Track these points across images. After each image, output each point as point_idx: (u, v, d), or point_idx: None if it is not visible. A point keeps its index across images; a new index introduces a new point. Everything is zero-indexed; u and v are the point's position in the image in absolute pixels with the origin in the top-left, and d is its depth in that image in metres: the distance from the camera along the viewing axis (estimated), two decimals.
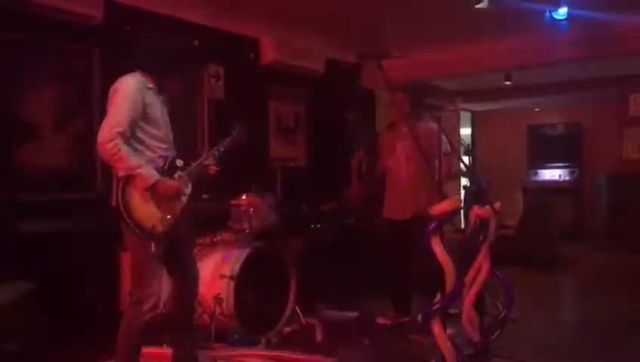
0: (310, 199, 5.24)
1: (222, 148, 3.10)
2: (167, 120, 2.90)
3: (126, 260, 3.93)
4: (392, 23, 5.09)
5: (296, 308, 4.03)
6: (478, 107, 10.23)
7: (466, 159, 4.23)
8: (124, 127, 2.59)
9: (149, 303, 2.72)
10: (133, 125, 2.65)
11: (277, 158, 5.52)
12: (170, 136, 2.91)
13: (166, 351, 3.25)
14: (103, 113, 4.06)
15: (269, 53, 5.39)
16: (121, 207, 2.59)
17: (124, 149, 2.58)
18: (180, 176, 2.83)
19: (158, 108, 2.80)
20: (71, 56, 4.06)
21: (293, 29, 5.26)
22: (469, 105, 9.95)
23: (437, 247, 2.73)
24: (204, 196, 3.71)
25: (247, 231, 3.99)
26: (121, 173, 2.62)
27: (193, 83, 4.87)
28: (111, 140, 2.54)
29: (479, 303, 3.18)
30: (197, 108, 4.98)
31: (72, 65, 4.06)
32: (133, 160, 2.61)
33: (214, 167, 3.01)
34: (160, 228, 2.68)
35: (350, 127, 6.42)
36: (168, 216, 2.71)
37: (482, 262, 3.18)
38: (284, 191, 4.35)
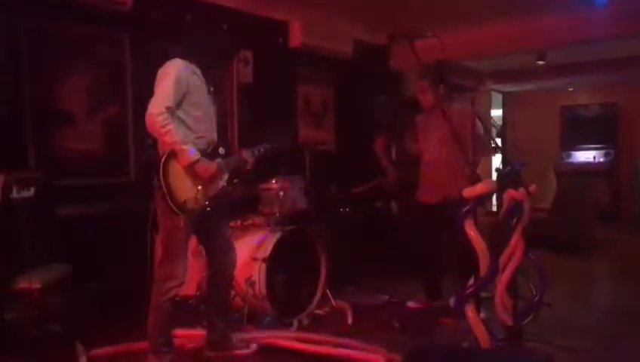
0: (339, 182, 5.23)
1: (262, 150, 3.19)
2: (212, 108, 2.99)
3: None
4: (423, 2, 4.99)
5: (327, 291, 4.05)
6: (510, 88, 10.01)
7: (498, 141, 4.14)
8: (172, 103, 2.69)
9: (173, 281, 2.80)
10: (177, 104, 2.73)
11: (306, 142, 5.52)
12: (214, 123, 2.99)
13: (199, 332, 3.32)
14: (135, 99, 4.18)
15: (298, 37, 5.36)
16: (161, 176, 2.66)
17: (173, 124, 2.66)
18: (219, 163, 2.89)
19: (201, 94, 2.89)
20: (102, 43, 4.11)
21: (321, 11, 5.20)
22: (500, 86, 9.75)
23: (471, 231, 2.70)
24: (235, 180, 3.75)
25: (278, 214, 4.01)
26: (165, 147, 2.70)
27: (223, 68, 4.88)
28: (160, 113, 2.63)
29: (512, 287, 3.14)
30: (226, 92, 5.00)
31: (103, 51, 4.11)
32: (180, 136, 2.70)
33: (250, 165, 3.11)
34: (190, 206, 2.75)
35: (379, 109, 6.36)
36: (198, 198, 2.78)
37: (516, 246, 3.13)
38: (313, 174, 4.35)
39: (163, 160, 2.69)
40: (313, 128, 5.92)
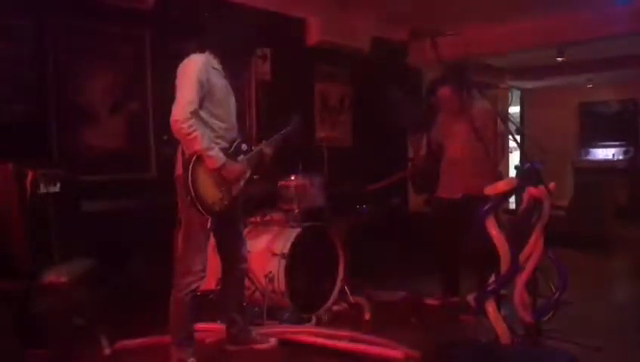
0: (357, 179, 5.24)
1: (280, 138, 3.21)
2: (233, 103, 3.00)
3: None
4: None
5: (345, 287, 4.07)
6: (528, 84, 9.92)
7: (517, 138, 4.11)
8: (196, 106, 2.69)
9: (192, 276, 2.84)
10: (199, 105, 2.73)
11: (323, 138, 5.52)
12: (234, 119, 3.00)
13: (220, 326, 3.36)
14: (155, 96, 4.22)
15: (316, 34, 5.38)
16: (189, 181, 2.68)
17: (199, 131, 2.67)
18: (242, 162, 2.93)
19: (222, 90, 2.89)
20: (124, 41, 4.16)
21: (340, 7, 5.21)
22: (518, 83, 9.66)
23: (492, 229, 2.70)
24: (255, 177, 3.78)
25: (296, 211, 4.04)
26: (191, 152, 2.71)
27: (241, 64, 4.91)
28: (186, 120, 2.64)
29: (532, 285, 3.13)
30: (244, 89, 5.03)
31: (125, 49, 4.16)
32: (205, 141, 2.71)
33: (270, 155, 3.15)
34: (217, 208, 2.79)
35: (397, 106, 6.35)
36: (223, 199, 2.82)
37: (535, 244, 3.12)
38: (330, 171, 4.37)
39: (192, 165, 2.70)
40: (331, 124, 5.93)
